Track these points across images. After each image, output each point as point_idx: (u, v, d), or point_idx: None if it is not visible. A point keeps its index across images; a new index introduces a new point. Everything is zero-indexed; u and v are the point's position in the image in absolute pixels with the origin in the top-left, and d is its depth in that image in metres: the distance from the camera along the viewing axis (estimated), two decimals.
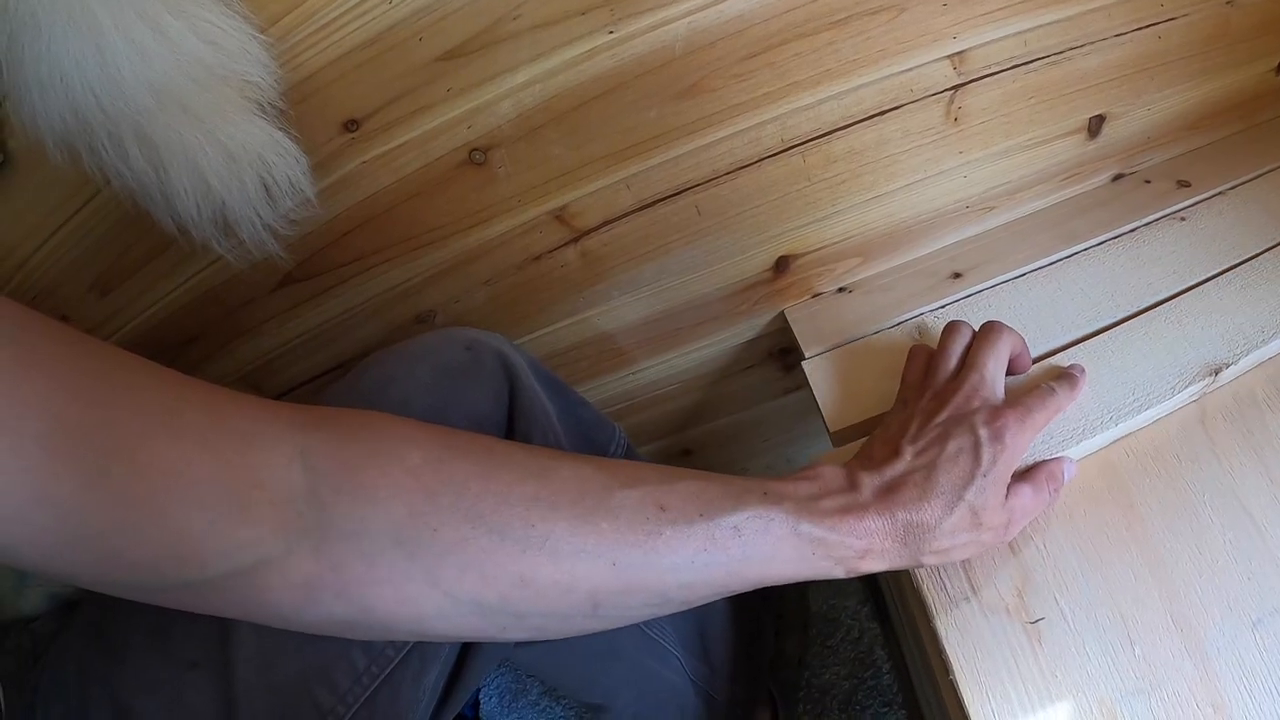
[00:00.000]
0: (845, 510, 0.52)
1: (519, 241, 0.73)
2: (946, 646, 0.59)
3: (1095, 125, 0.82)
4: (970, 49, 0.71)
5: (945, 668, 0.59)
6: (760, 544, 0.50)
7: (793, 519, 0.50)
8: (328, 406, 0.47)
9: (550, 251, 0.74)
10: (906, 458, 0.55)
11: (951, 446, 0.54)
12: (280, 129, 0.57)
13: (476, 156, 0.66)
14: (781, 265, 0.83)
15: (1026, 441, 0.57)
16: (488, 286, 0.77)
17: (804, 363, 0.79)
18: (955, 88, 0.73)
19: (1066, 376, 0.65)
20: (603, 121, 0.67)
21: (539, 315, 0.81)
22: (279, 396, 0.83)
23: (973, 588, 0.62)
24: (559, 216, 0.72)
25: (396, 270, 0.73)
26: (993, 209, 0.85)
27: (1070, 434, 0.67)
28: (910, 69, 0.71)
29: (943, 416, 0.57)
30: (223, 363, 0.80)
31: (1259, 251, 0.79)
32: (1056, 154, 0.83)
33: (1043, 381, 0.65)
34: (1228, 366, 0.69)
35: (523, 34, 0.60)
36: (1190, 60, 0.82)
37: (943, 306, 0.81)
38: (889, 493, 0.53)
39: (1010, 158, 0.81)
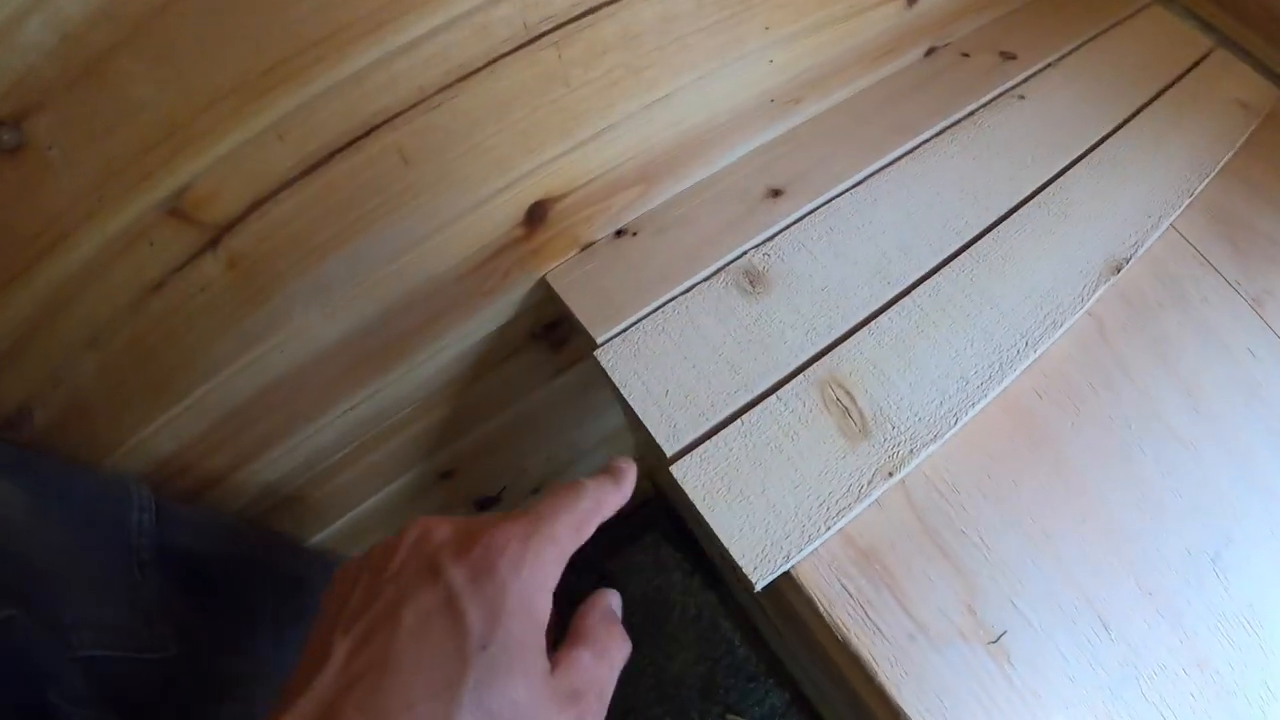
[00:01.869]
0: None
1: (121, 266, 0.45)
2: (903, 705, 0.48)
3: None
4: None
5: None
6: None
7: None
8: None
9: (178, 269, 0.46)
10: (339, 656, 0.33)
11: (408, 614, 0.33)
12: None
13: (6, 137, 0.38)
14: (536, 215, 0.59)
15: (548, 565, 0.36)
16: (94, 350, 0.48)
17: (597, 353, 0.58)
18: None
19: (607, 471, 0.44)
20: (221, 30, 0.39)
21: (186, 372, 0.52)
22: None
23: (913, 619, 0.50)
24: (175, 210, 0.44)
25: None
26: (800, 100, 0.69)
27: (990, 372, 0.57)
28: None
29: (388, 573, 0.36)
30: None
31: (1110, 131, 0.76)
32: (872, 26, 0.71)
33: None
34: (1128, 261, 0.66)
35: None
36: None
37: (769, 239, 0.65)
38: None
39: (821, 33, 0.66)
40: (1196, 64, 0.85)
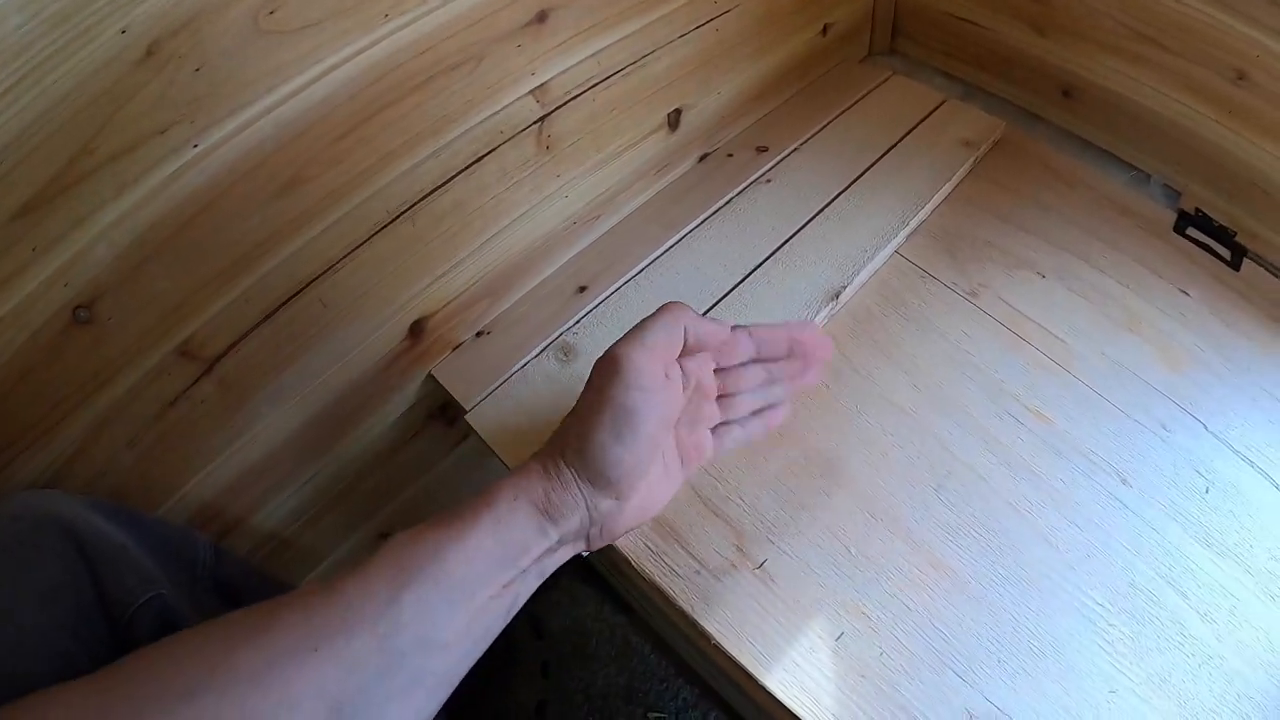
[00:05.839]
0: None
1: (149, 391, 0.75)
2: (698, 618, 0.75)
3: (674, 119, 1.02)
4: (549, 80, 0.86)
5: (706, 637, 0.74)
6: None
7: None
8: None
9: (185, 391, 0.77)
10: None
11: None
12: None
13: (81, 315, 0.67)
14: (416, 330, 0.92)
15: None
16: (132, 449, 0.77)
17: (467, 416, 0.89)
18: (542, 119, 0.87)
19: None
20: (207, 241, 0.71)
21: (194, 459, 0.82)
22: None
23: (697, 560, 0.79)
24: (184, 351, 0.75)
25: (28, 464, 0.71)
26: (599, 217, 1.02)
27: None
28: (498, 111, 0.84)
29: None
30: None
31: (841, 190, 1.10)
32: (645, 153, 1.02)
33: None
34: (845, 288, 0.97)
35: (102, 168, 0.62)
36: (747, 43, 1.05)
37: (578, 321, 0.96)
38: None
39: (604, 168, 0.98)
40: (926, 117, 1.16)
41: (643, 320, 0.63)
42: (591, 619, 1.23)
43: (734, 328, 0.69)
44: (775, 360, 0.72)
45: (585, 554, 0.64)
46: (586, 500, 0.61)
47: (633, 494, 0.63)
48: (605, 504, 0.62)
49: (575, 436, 0.62)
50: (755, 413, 0.74)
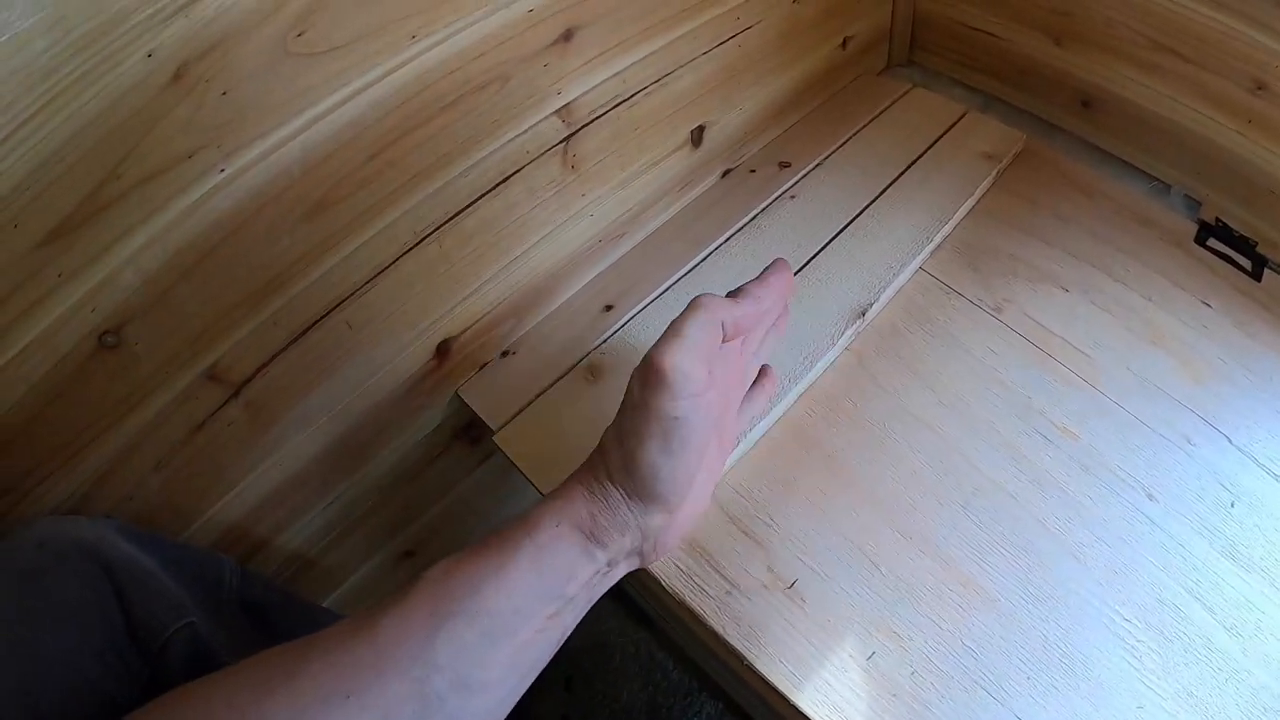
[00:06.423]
0: None
1: (177, 414, 0.74)
2: (730, 639, 0.74)
3: (697, 136, 1.02)
4: (575, 100, 0.85)
5: (738, 656, 0.73)
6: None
7: None
8: None
9: (213, 414, 0.76)
10: None
11: None
12: None
13: (108, 339, 0.66)
14: (443, 350, 0.91)
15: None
16: (159, 472, 0.76)
17: (495, 437, 0.88)
18: (568, 138, 0.87)
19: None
20: (234, 265, 0.70)
21: (221, 481, 0.81)
22: None
23: (728, 580, 0.77)
24: (212, 375, 0.74)
25: (57, 487, 0.71)
26: (623, 235, 1.01)
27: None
28: (524, 131, 0.83)
29: None
30: None
31: (865, 205, 1.08)
32: (669, 170, 1.02)
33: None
34: (871, 305, 0.95)
35: (129, 193, 0.61)
36: (769, 58, 1.04)
37: (604, 341, 0.95)
38: None
39: (629, 186, 0.97)
40: (947, 130, 1.15)
41: (677, 320, 0.60)
42: (614, 633, 1.22)
43: (737, 295, 0.66)
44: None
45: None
46: (636, 518, 0.59)
47: (683, 504, 0.61)
48: (657, 519, 0.60)
49: (621, 453, 0.60)
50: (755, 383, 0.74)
